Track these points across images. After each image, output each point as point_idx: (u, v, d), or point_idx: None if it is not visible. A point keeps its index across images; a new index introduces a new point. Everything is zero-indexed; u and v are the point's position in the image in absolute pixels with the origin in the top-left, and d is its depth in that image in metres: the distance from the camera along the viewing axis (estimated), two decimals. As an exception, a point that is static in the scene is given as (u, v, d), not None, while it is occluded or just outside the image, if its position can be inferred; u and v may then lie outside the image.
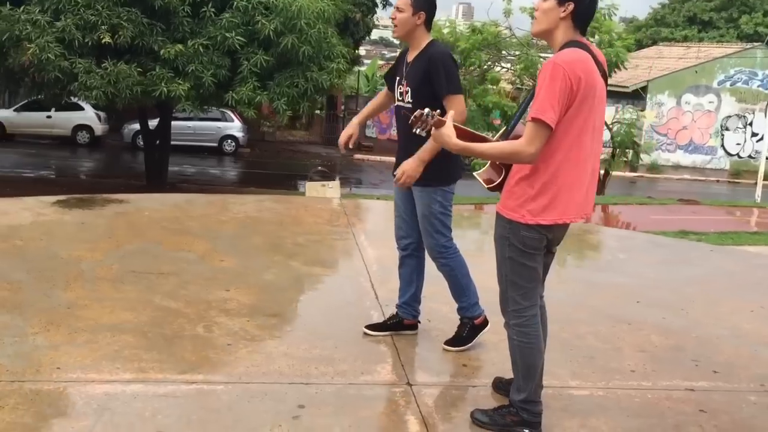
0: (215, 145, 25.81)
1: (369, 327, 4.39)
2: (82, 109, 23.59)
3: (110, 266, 5.30)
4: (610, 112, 20.59)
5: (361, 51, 33.19)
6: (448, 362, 4.11)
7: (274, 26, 12.53)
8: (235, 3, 12.71)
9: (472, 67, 18.27)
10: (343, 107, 32.29)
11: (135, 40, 12.42)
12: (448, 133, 3.09)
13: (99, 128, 24.85)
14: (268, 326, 4.42)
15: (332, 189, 12.14)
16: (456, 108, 3.68)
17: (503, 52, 19.14)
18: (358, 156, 28.18)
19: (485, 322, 4.32)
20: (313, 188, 12.22)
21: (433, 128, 3.11)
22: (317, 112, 37.53)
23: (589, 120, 3.08)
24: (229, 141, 26.04)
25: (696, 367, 4.30)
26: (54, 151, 23.22)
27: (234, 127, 25.63)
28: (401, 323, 4.39)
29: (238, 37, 12.62)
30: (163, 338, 4.11)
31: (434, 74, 3.86)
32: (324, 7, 13.20)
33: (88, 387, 3.46)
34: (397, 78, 4.10)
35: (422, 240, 4.18)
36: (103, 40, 12.12)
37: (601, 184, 18.43)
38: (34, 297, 4.61)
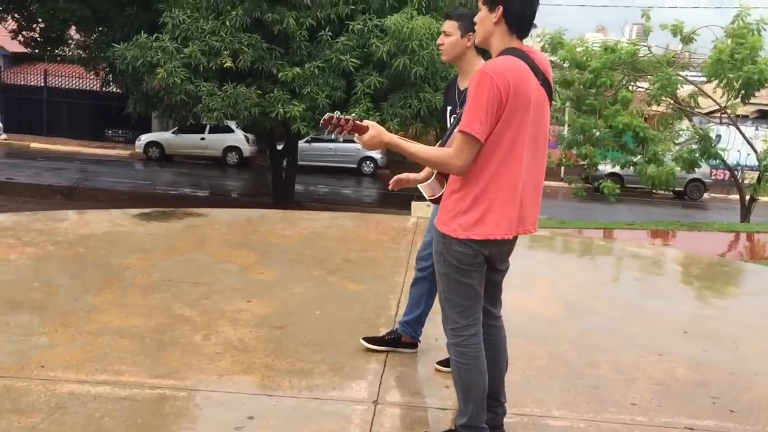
0: (354, 166, 26.38)
1: (366, 339, 4.33)
2: (232, 131, 24.93)
3: (151, 275, 5.54)
4: (750, 132, 19.18)
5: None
6: (432, 384, 3.96)
7: (388, 48, 12.69)
8: (351, 26, 13.00)
9: (603, 88, 17.63)
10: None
11: (255, 63, 12.99)
12: (373, 134, 2.98)
13: (247, 149, 26.09)
14: (266, 338, 4.45)
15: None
16: None
17: (639, 71, 18.34)
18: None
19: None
20: (418, 208, 12.18)
21: (356, 135, 3.03)
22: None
23: (522, 131, 2.89)
24: (368, 162, 26.54)
25: (712, 404, 3.88)
26: (204, 171, 24.61)
27: (377, 148, 26.11)
28: (398, 340, 4.30)
29: (353, 60, 12.89)
30: (158, 344, 4.24)
31: None
32: (438, 28, 13.20)
33: (58, 386, 3.62)
34: (449, 108, 3.94)
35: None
36: (225, 65, 12.77)
37: (746, 211, 17.16)
38: (62, 300, 4.90)
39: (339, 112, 3.04)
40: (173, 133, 26.06)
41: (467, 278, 3.04)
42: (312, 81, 12.95)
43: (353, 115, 3.06)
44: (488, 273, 3.14)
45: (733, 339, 4.95)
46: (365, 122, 3.00)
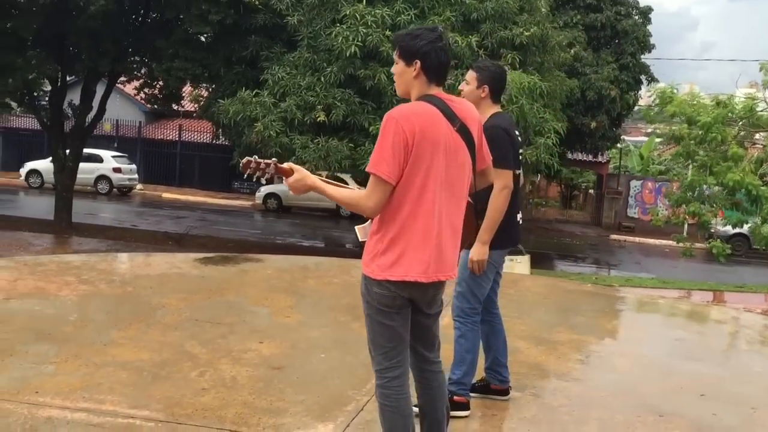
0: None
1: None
2: (346, 183, 25.53)
3: (181, 314, 5.82)
4: None
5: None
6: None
7: (474, 102, 12.79)
8: (443, 81, 13.20)
9: (714, 143, 16.95)
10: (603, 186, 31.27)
11: (347, 117, 13.39)
12: (298, 177, 3.08)
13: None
14: (259, 377, 4.57)
15: (521, 264, 11.88)
16: (497, 181, 3.74)
17: (757, 126, 17.51)
18: (614, 236, 26.99)
19: (466, 406, 4.17)
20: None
21: (284, 179, 3.13)
22: (590, 191, 36.96)
23: (433, 175, 2.94)
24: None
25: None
26: (318, 222, 25.31)
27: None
28: (488, 387, 4.39)
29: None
30: (153, 377, 4.45)
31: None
32: (531, 82, 13.19)
33: (40, 410, 3.88)
34: None
35: (490, 304, 4.28)
36: (319, 119, 13.24)
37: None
38: (87, 333, 5.23)
39: (256, 156, 3.18)
40: (291, 185, 27.06)
41: (389, 320, 3.06)
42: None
43: (273, 159, 3.18)
44: (417, 316, 3.16)
45: (754, 404, 4.62)
46: (288, 165, 3.11)
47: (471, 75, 4.09)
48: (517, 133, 4.23)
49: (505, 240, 4.19)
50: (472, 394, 4.35)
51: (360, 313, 6.05)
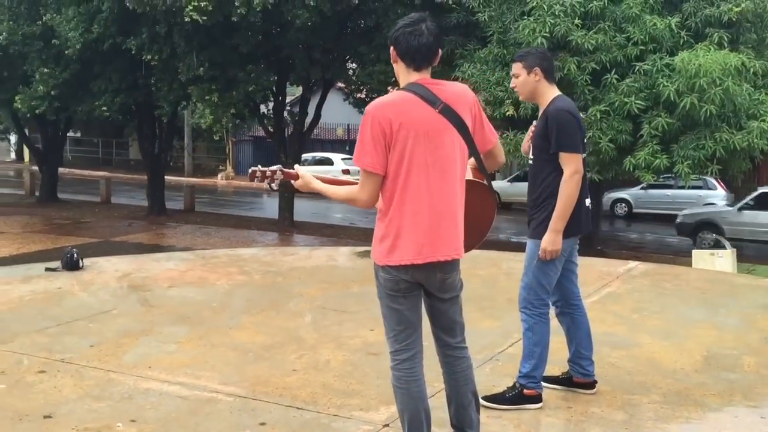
0: (696, 212, 24.55)
1: (544, 378, 4.29)
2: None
3: (313, 303, 6.20)
4: None
5: None
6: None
7: (676, 87, 12.05)
8: (638, 67, 12.58)
9: None
10: None
11: (537, 111, 13.19)
12: (303, 182, 3.29)
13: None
14: (352, 361, 4.78)
15: (722, 259, 10.98)
16: (567, 167, 3.78)
17: None
18: None
19: (537, 399, 4.10)
20: (700, 257, 11.20)
21: (292, 181, 3.33)
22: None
23: (415, 160, 3.02)
24: (708, 209, 24.52)
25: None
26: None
27: (716, 195, 24.06)
28: (571, 380, 4.34)
29: (638, 102, 12.43)
30: (255, 358, 4.83)
31: (550, 130, 3.89)
32: (739, 61, 12.14)
33: (142, 382, 4.39)
34: None
35: (570, 296, 4.24)
36: (508, 113, 13.19)
37: None
38: (220, 317, 5.76)
39: (260, 165, 3.40)
40: (508, 181, 27.02)
41: (395, 303, 3.16)
42: (595, 125, 12.75)
43: (278, 165, 3.39)
44: (431, 300, 3.24)
45: None
46: (295, 169, 3.31)
47: (516, 66, 4.00)
48: (582, 116, 4.07)
49: (576, 227, 4.04)
50: (557, 387, 4.30)
51: (490, 305, 6.10)
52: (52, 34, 17.16)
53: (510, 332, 5.41)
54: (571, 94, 13.19)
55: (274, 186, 3.40)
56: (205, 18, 13.99)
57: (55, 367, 4.60)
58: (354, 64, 18.01)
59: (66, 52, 16.75)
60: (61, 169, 25.86)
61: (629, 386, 4.43)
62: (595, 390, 4.28)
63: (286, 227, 18.77)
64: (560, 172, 3.89)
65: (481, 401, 4.07)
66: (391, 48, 3.09)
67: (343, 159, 30.73)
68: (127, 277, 7.09)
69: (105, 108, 18.12)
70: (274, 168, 3.36)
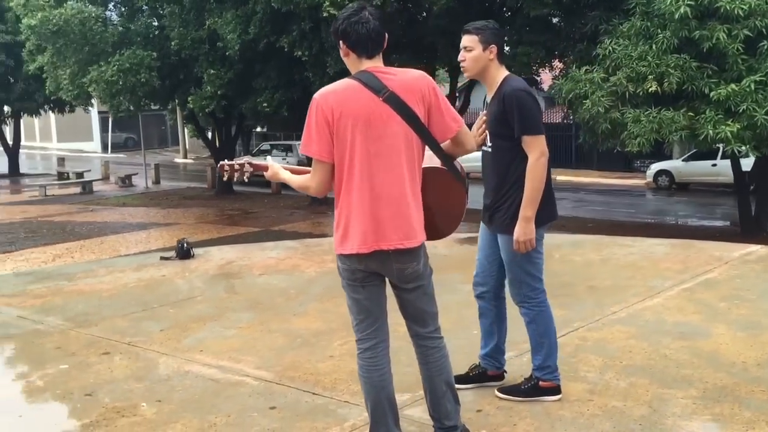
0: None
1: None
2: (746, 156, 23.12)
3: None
4: None
5: None
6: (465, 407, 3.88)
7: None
8: (799, 31, 11.46)
9: None
10: None
11: (683, 85, 12.35)
12: (275, 171, 3.35)
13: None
14: (393, 349, 4.78)
15: None
16: (532, 150, 3.60)
17: None
18: None
19: (555, 390, 3.95)
20: None
21: (263, 174, 3.40)
22: None
23: (357, 148, 3.01)
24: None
25: None
26: (714, 199, 23.39)
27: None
28: (485, 374, 4.19)
29: (797, 69, 11.34)
30: (301, 344, 4.99)
31: (509, 114, 3.67)
32: None
33: (187, 365, 4.67)
34: None
35: (499, 289, 4.06)
36: (651, 89, 12.45)
37: None
38: (289, 305, 5.98)
39: (227, 160, 3.51)
40: (683, 160, 25.39)
41: (354, 293, 3.20)
42: (749, 97, 11.76)
43: (245, 158, 3.48)
44: (396, 291, 3.27)
45: None
46: (265, 162, 3.38)
47: (470, 39, 3.68)
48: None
49: (549, 213, 3.82)
50: (465, 386, 4.06)
51: (563, 293, 5.87)
52: (217, 38, 18.30)
53: (570, 321, 5.20)
54: (723, 65, 12.29)
55: (245, 179, 3.50)
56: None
57: (119, 349, 5.01)
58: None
59: (227, 53, 17.80)
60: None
61: (670, 379, 4.13)
62: (504, 380, 4.11)
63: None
64: (524, 157, 3.64)
65: (496, 392, 4.00)
66: (340, 42, 3.08)
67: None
68: (228, 265, 7.52)
69: (266, 104, 19.09)
70: (242, 161, 3.46)
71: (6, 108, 32.02)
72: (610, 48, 13.17)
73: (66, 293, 6.58)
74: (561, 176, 29.81)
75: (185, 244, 7.78)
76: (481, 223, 4.00)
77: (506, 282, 3.99)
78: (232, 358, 4.74)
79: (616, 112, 12.82)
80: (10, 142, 33.74)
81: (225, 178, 3.51)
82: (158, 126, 46.39)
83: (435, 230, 3.34)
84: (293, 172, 3.37)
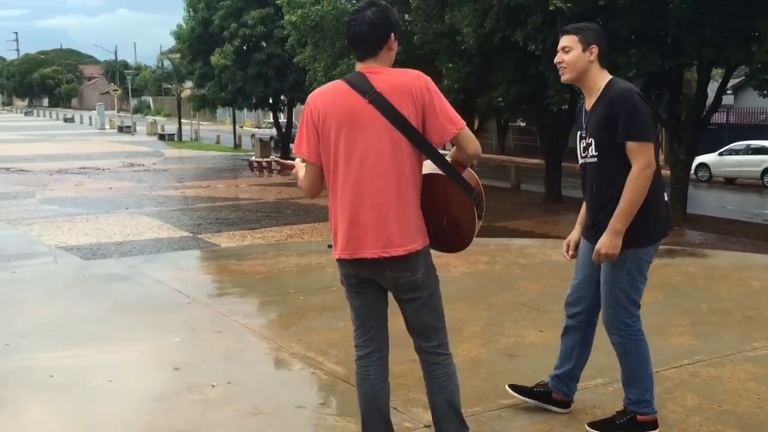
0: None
1: (512, 386, 4.00)
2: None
3: (529, 296, 6.00)
4: None
5: None
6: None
7: None
8: None
9: None
10: None
11: None
12: (299, 169, 3.30)
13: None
14: (475, 359, 4.62)
15: None
16: (637, 160, 3.31)
17: None
18: None
19: (652, 425, 3.54)
20: None
21: (291, 172, 3.40)
22: None
23: (341, 151, 2.95)
24: None
25: None
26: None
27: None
28: (548, 395, 3.88)
29: None
30: (391, 344, 4.91)
31: (615, 118, 3.39)
32: None
33: (279, 352, 4.86)
34: (579, 133, 3.66)
35: (593, 313, 3.74)
36: None
37: None
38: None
39: (254, 156, 3.53)
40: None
41: (351, 299, 3.19)
42: None
43: (272, 156, 3.49)
44: (396, 301, 3.13)
45: None
46: (296, 160, 3.35)
47: (569, 39, 3.42)
48: None
49: (660, 229, 3.46)
50: (523, 398, 3.89)
51: (703, 321, 5.23)
52: (456, 32, 18.50)
53: (692, 353, 4.63)
54: None
55: (274, 174, 3.56)
56: (569, 5, 13.80)
57: (232, 328, 5.31)
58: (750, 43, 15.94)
59: (462, 47, 17.94)
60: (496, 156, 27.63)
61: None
62: (569, 409, 3.83)
63: (677, 220, 17.50)
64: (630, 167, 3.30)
65: (586, 428, 3.63)
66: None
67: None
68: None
69: (500, 99, 18.96)
70: (269, 159, 3.52)
71: (282, 97, 35.02)
72: None
73: (228, 272, 7.10)
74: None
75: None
76: (582, 240, 3.69)
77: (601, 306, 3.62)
78: (320, 351, 4.82)
79: None
80: (283, 129, 36.79)
81: (256, 174, 3.60)
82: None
83: (440, 243, 3.14)
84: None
